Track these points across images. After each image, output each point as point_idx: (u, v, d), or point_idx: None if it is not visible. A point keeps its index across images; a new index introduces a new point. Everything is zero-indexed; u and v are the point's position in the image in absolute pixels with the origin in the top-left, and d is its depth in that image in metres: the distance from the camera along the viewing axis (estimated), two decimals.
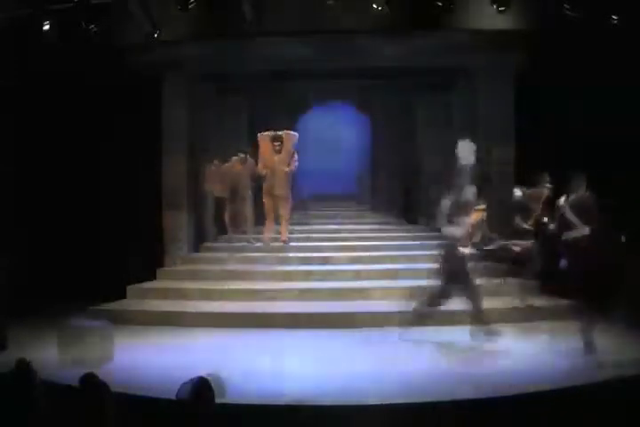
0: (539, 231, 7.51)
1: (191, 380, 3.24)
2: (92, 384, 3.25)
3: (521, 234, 7.58)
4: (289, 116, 14.06)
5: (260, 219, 10.52)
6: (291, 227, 11.79)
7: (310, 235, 11.14)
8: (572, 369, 5.43)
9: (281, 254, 9.86)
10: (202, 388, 3.21)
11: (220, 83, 10.67)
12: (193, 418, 3.10)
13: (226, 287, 8.39)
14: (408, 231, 11.55)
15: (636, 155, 8.43)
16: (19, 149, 8.75)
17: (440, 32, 8.77)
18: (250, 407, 4.49)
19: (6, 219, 8.22)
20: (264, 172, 9.55)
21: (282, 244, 9.97)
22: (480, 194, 6.75)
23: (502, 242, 7.62)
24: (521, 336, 6.68)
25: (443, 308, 6.91)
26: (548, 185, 7.65)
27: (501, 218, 7.91)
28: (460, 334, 6.81)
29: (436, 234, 11.00)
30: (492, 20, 8.27)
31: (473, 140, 9.53)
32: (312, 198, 15.58)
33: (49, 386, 3.65)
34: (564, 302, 7.78)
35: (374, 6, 7.48)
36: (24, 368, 3.54)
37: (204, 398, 3.18)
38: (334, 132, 16.29)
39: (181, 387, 3.20)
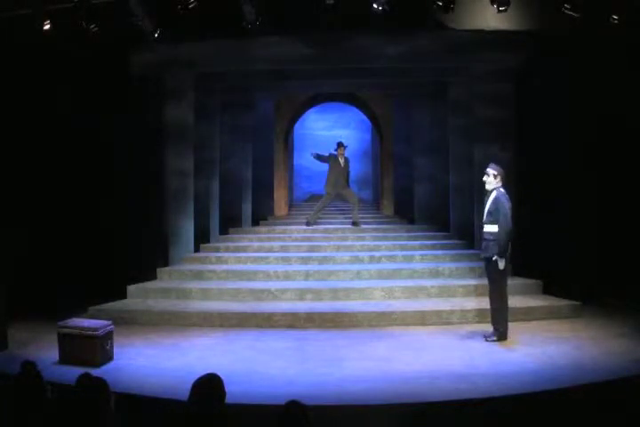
0: None
1: (203, 378, 3.25)
2: (89, 384, 3.25)
3: None
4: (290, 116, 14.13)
5: None
6: (291, 227, 11.87)
7: (311, 235, 11.17)
8: (575, 369, 5.44)
9: (281, 254, 9.88)
10: (215, 387, 3.22)
11: (221, 82, 10.67)
12: (203, 418, 3.10)
13: (226, 287, 8.39)
14: (408, 231, 11.58)
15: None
16: (23, 148, 8.76)
17: (440, 32, 8.78)
18: (250, 407, 4.49)
19: (7, 218, 8.22)
20: None
21: (280, 244, 10.01)
22: None
23: None
24: (520, 336, 6.69)
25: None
26: None
27: None
28: (460, 334, 6.83)
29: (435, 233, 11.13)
30: (492, 20, 8.27)
31: (472, 141, 9.64)
32: (311, 199, 15.65)
33: (52, 386, 3.65)
34: (564, 301, 7.82)
35: (374, 6, 7.47)
36: (30, 369, 3.55)
37: (216, 398, 3.19)
38: (336, 133, 16.38)
39: (194, 385, 3.21)
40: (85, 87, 8.91)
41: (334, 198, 12.27)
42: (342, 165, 11.91)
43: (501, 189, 6.61)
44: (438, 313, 7.45)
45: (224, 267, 9.33)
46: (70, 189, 9.07)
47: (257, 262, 9.63)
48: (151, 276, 9.08)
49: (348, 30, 8.69)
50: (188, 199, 9.84)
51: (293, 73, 10.43)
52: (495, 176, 6.64)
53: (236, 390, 3.84)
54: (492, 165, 6.77)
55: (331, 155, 12.00)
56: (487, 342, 6.47)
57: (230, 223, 11.75)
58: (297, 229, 11.63)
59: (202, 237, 10.45)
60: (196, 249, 10.18)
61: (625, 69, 8.28)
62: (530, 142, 8.95)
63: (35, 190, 8.94)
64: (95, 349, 5.77)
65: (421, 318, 7.39)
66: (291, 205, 14.93)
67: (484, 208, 6.77)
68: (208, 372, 3.34)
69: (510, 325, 6.64)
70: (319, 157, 12.09)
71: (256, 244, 10.61)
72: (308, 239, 10.90)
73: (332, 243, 10.55)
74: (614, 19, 7.27)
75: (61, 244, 8.91)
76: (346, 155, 12.13)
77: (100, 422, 3.12)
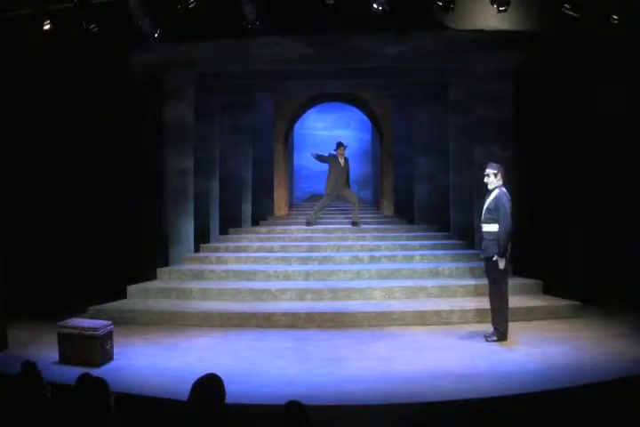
0: None
1: (203, 378, 3.25)
2: (89, 384, 3.25)
3: None
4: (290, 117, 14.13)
5: None
6: (291, 227, 11.87)
7: (311, 235, 11.17)
8: (575, 369, 5.44)
9: (281, 254, 9.88)
10: (215, 387, 3.22)
11: (221, 82, 10.68)
12: (203, 418, 3.11)
13: (226, 287, 8.39)
14: (408, 231, 11.57)
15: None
16: (23, 147, 8.77)
17: (440, 32, 8.78)
18: (250, 407, 4.49)
19: (6, 218, 8.22)
20: None
21: (280, 244, 10.01)
22: None
23: None
24: (520, 336, 6.69)
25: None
26: None
27: None
28: (460, 334, 6.84)
29: (435, 233, 11.13)
30: (492, 20, 8.27)
31: (472, 141, 9.65)
32: (311, 199, 15.66)
33: (52, 386, 3.65)
34: (564, 301, 7.81)
35: (374, 6, 7.47)
36: (30, 369, 3.55)
37: (216, 397, 3.19)
38: (336, 133, 16.39)
39: (194, 385, 3.21)
40: (85, 87, 8.91)
41: (334, 199, 12.27)
42: (342, 165, 11.90)
43: (503, 189, 6.60)
44: (438, 313, 7.44)
45: (224, 267, 9.33)
46: (70, 189, 9.06)
47: (257, 262, 9.63)
48: (151, 276, 9.09)
49: (348, 30, 8.69)
50: (188, 199, 9.85)
51: (293, 73, 10.43)
52: (495, 175, 6.64)
53: (235, 390, 3.84)
54: (491, 164, 6.77)
55: (330, 155, 12.00)
56: (487, 342, 6.47)
57: (230, 223, 11.76)
58: (297, 229, 11.63)
59: (202, 237, 10.46)
60: (196, 249, 10.18)
61: (625, 69, 8.28)
62: (530, 142, 8.95)
63: (34, 190, 8.93)
64: (95, 349, 5.77)
65: (421, 318, 7.39)
66: (291, 205, 14.93)
67: (483, 206, 6.77)
68: (208, 372, 3.34)
69: (510, 325, 6.63)
70: (319, 158, 12.09)
71: (256, 244, 10.62)
72: (308, 239, 10.90)
73: (331, 243, 10.55)
74: (614, 19, 7.27)
75: (61, 243, 8.90)
76: (346, 155, 12.13)
77: (100, 422, 3.12)
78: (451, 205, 10.85)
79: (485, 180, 6.70)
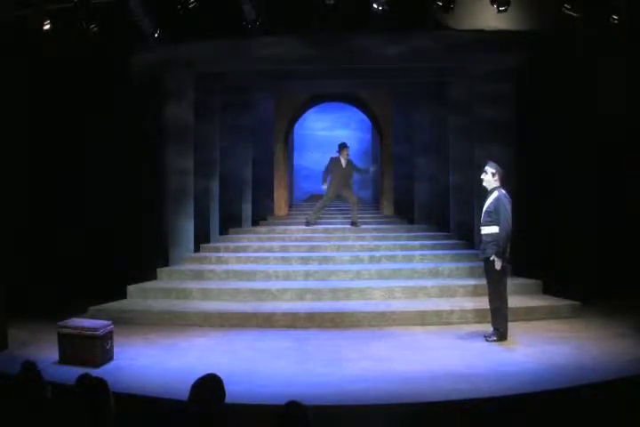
0: None
1: (203, 378, 3.25)
2: (89, 384, 3.25)
3: None
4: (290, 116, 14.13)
5: None
6: (291, 227, 11.87)
7: (311, 235, 11.17)
8: (575, 369, 5.44)
9: (281, 254, 9.88)
10: (215, 387, 3.22)
11: (221, 82, 10.68)
12: (203, 417, 3.11)
13: (226, 287, 8.39)
14: (408, 231, 11.57)
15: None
16: (24, 147, 8.76)
17: (440, 32, 8.77)
18: (250, 407, 4.49)
19: (6, 218, 8.22)
20: None
21: (280, 244, 10.02)
22: None
23: None
24: (520, 336, 6.69)
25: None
26: None
27: None
28: (460, 334, 6.83)
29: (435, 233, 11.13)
30: (492, 20, 8.27)
31: (472, 141, 9.65)
32: (311, 199, 15.64)
33: (52, 386, 3.65)
34: (564, 301, 7.81)
35: (374, 6, 7.47)
36: (30, 369, 3.55)
37: (216, 398, 3.19)
38: (336, 133, 16.38)
39: (193, 386, 3.21)
40: (85, 87, 8.91)
41: (334, 198, 12.26)
42: (344, 166, 11.88)
43: (502, 190, 6.59)
44: (438, 313, 7.45)
45: (224, 267, 9.33)
46: (69, 189, 9.06)
47: (257, 262, 9.63)
48: (151, 276, 9.09)
49: (348, 30, 8.68)
50: (188, 199, 9.85)
51: (293, 73, 10.43)
52: (494, 175, 6.62)
53: (235, 390, 3.84)
54: (491, 163, 6.76)
55: (331, 158, 11.98)
56: (487, 342, 6.47)
57: (230, 223, 11.75)
58: (297, 229, 11.63)
59: (202, 237, 10.45)
60: (196, 249, 10.18)
61: (625, 69, 8.28)
62: (530, 142, 8.95)
63: (34, 189, 8.93)
64: (95, 349, 5.77)
65: (421, 319, 7.39)
66: (290, 205, 14.91)
67: (482, 207, 6.77)
68: (208, 372, 3.34)
69: (510, 325, 6.63)
70: (324, 173, 11.99)
71: (256, 244, 10.62)
72: (308, 239, 10.90)
73: (332, 243, 10.55)
74: (614, 19, 7.26)
75: (62, 243, 8.90)
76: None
77: (100, 422, 3.12)
78: (451, 205, 10.85)
79: (482, 176, 6.68)
